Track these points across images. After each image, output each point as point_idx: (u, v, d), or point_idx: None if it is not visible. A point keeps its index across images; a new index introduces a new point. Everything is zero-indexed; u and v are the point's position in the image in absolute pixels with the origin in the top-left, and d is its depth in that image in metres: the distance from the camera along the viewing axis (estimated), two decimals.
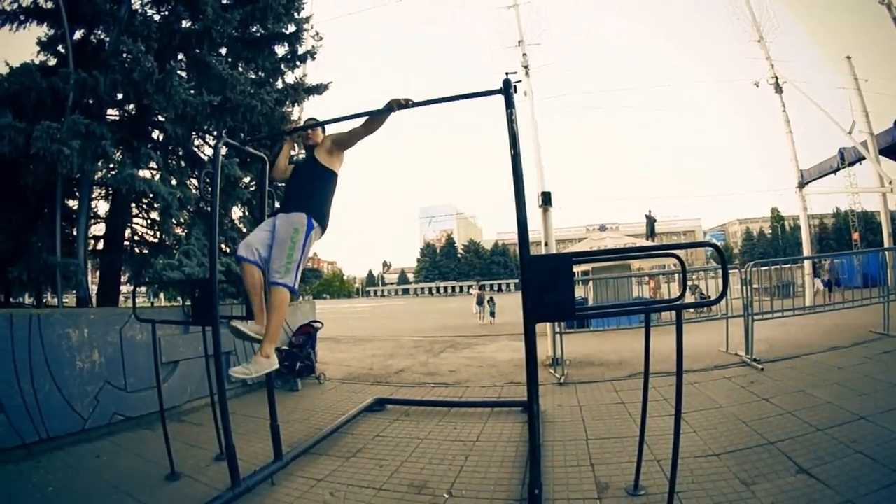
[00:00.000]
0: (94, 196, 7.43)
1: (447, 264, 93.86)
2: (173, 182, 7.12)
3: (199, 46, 7.33)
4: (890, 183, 14.89)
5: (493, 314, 19.80)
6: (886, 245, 14.59)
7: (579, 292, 13.13)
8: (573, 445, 4.38)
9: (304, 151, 4.20)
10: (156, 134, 7.81)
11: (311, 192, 3.71)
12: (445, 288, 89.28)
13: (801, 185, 16.02)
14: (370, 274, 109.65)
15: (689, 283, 12.77)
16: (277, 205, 4.74)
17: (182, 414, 6.01)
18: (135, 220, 8.19)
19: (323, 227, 3.71)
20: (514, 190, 3.17)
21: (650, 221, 21.29)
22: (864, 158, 15.42)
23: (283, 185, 4.29)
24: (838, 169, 16.73)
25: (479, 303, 20.93)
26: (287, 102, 8.64)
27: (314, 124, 4.00)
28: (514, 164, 3.21)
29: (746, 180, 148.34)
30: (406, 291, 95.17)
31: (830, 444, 3.77)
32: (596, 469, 3.83)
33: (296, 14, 8.84)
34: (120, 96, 6.88)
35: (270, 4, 7.96)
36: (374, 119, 3.57)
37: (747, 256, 68.72)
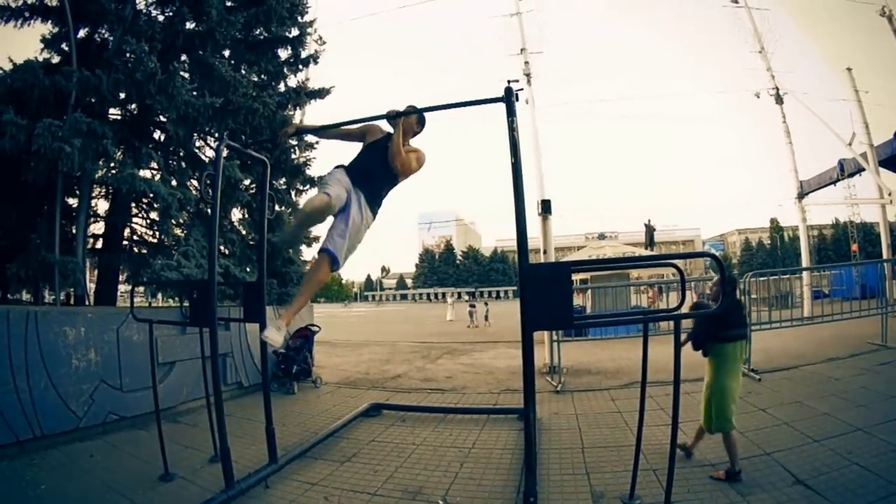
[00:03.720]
0: (94, 195, 7.45)
1: (446, 270, 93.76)
2: (173, 183, 7.13)
3: (203, 48, 7.35)
4: (889, 194, 14.92)
5: (486, 317, 22.38)
6: (885, 256, 14.60)
7: (577, 300, 13.12)
8: (569, 454, 4.37)
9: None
10: (157, 134, 7.83)
11: (381, 193, 3.56)
12: (444, 294, 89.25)
13: (801, 195, 16.05)
14: (368, 278, 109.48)
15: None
16: (277, 207, 4.63)
17: (177, 415, 5.98)
18: (134, 219, 8.19)
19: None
20: (514, 198, 3.16)
21: (649, 230, 21.28)
22: (863, 170, 15.45)
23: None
24: (838, 180, 16.77)
25: (472, 307, 23.14)
26: (289, 106, 8.66)
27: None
28: (514, 172, 3.20)
29: (746, 190, 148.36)
30: (404, 297, 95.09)
31: (827, 455, 3.77)
32: (592, 477, 3.82)
33: (299, 18, 8.89)
34: (122, 96, 6.91)
35: (274, 8, 8.00)
36: (393, 148, 3.44)
37: (746, 267, 68.72)
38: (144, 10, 7.40)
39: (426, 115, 3.69)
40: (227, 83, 7.10)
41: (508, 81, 3.31)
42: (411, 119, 3.60)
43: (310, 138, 8.97)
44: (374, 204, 3.47)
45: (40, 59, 6.91)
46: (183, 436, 5.18)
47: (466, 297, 30.07)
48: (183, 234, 7.57)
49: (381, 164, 3.48)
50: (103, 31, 7.33)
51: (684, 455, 4.00)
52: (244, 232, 8.48)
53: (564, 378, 7.20)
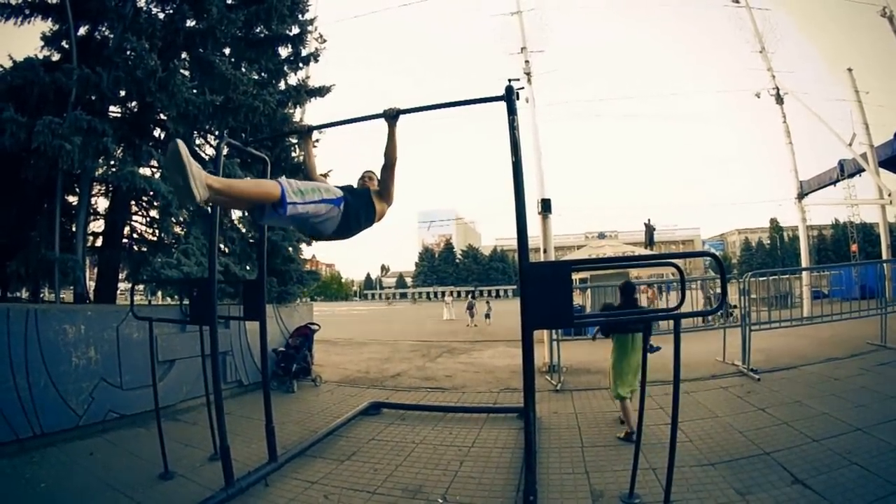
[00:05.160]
0: (94, 192, 7.44)
1: (445, 269, 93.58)
2: None
3: (203, 46, 7.34)
4: (889, 195, 14.91)
5: (487, 315, 22.07)
6: (885, 257, 14.61)
7: (577, 300, 13.11)
8: (568, 452, 4.37)
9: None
10: (157, 132, 7.82)
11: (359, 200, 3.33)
12: (443, 293, 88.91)
13: (801, 196, 16.02)
14: (368, 277, 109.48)
15: (713, 291, 12.89)
16: None
17: (177, 413, 5.99)
18: (134, 217, 8.19)
19: (338, 231, 3.21)
20: (515, 197, 3.17)
21: (649, 230, 21.28)
22: (863, 170, 15.46)
23: None
24: (838, 180, 16.77)
25: (470, 307, 22.86)
26: (289, 104, 8.65)
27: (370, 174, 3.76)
28: (514, 171, 3.20)
29: (746, 190, 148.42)
30: (404, 295, 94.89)
31: (826, 455, 3.77)
32: (591, 476, 3.82)
33: (300, 16, 8.87)
34: (122, 93, 6.91)
35: (275, 5, 7.98)
36: (389, 146, 3.43)
37: (746, 266, 68.74)
38: (145, 8, 7.39)
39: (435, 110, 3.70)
40: (228, 81, 7.08)
41: (509, 80, 3.30)
42: (374, 181, 3.61)
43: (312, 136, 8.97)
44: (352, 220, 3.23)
45: (40, 56, 6.91)
46: (183, 434, 5.19)
47: (467, 296, 29.82)
48: (183, 232, 7.57)
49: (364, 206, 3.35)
50: (103, 29, 7.32)
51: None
52: (244, 230, 8.48)
53: (564, 377, 7.21)
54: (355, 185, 3.69)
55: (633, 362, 4.84)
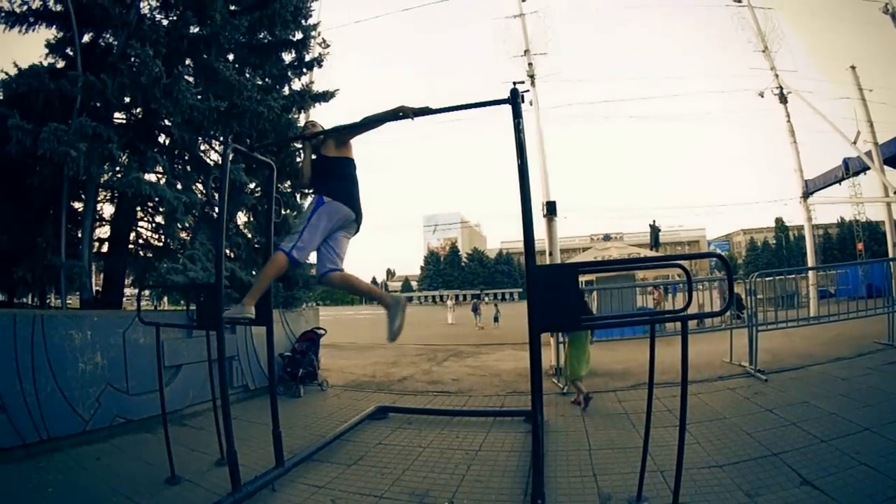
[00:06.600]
0: (99, 199, 7.46)
1: (451, 273, 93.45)
2: (179, 186, 7.14)
3: (207, 52, 7.36)
4: (894, 192, 14.82)
5: (496, 319, 22.22)
6: (891, 255, 14.51)
7: None
8: (576, 455, 4.36)
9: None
10: (162, 138, 7.83)
11: (325, 179, 3.73)
12: (445, 296, 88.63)
13: (806, 195, 15.95)
14: (374, 281, 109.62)
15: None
16: (283, 211, 4.72)
17: (184, 418, 6.00)
18: (140, 223, 8.20)
19: (351, 207, 3.67)
20: (521, 200, 3.16)
21: (655, 231, 21.18)
22: (868, 168, 15.34)
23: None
24: (843, 179, 16.64)
25: (475, 309, 23.63)
26: (294, 109, 8.66)
27: (321, 132, 4.01)
28: (520, 174, 3.20)
29: (751, 190, 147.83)
30: (410, 299, 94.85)
31: (835, 455, 3.75)
32: (599, 479, 3.81)
33: (303, 21, 8.91)
34: (127, 100, 6.93)
35: (278, 11, 8.01)
36: (376, 120, 3.63)
37: (752, 267, 68.45)
38: (148, 15, 7.43)
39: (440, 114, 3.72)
40: (232, 87, 7.10)
41: (514, 83, 3.30)
42: (317, 126, 4.17)
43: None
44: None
45: (45, 63, 6.93)
46: (189, 439, 5.20)
47: (471, 299, 29.92)
48: (188, 238, 7.58)
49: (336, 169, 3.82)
50: (108, 36, 7.34)
51: (583, 404, 5.89)
52: (249, 235, 8.49)
53: None
54: (300, 146, 4.01)
55: (585, 352, 6.16)
